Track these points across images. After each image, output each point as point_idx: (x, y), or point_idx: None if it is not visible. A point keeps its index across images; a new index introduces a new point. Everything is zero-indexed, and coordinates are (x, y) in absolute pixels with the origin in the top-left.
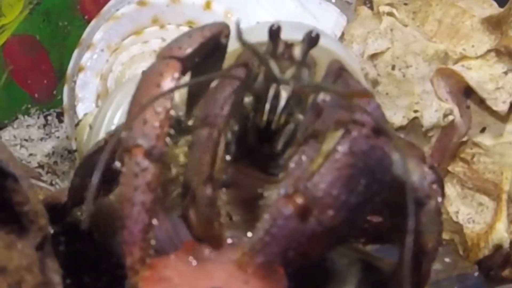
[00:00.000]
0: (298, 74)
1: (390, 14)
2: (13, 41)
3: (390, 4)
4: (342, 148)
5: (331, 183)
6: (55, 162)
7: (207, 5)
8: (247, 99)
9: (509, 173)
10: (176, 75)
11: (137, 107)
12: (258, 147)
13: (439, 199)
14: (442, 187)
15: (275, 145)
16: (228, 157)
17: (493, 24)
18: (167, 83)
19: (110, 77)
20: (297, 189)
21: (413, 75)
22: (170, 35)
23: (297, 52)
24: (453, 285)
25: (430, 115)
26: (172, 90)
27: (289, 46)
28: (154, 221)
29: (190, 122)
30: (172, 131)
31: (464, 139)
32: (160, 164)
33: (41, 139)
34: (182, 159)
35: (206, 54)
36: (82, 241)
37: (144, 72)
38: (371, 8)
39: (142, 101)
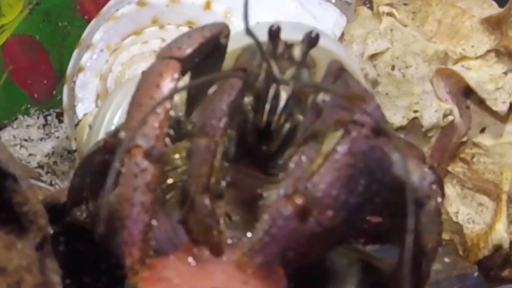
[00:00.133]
0: (297, 75)
1: (389, 14)
2: (13, 41)
3: (390, 5)
4: (341, 149)
5: (331, 183)
6: (55, 162)
7: (207, 5)
8: (247, 99)
9: (509, 173)
10: (176, 75)
11: (137, 108)
12: (258, 147)
13: (439, 200)
14: (442, 187)
15: (274, 145)
16: (226, 164)
17: (493, 24)
18: (167, 84)
19: (109, 77)
20: (296, 190)
21: (413, 75)
22: (169, 35)
23: (296, 52)
24: (453, 285)
25: (430, 115)
26: (172, 94)
27: (288, 46)
28: (154, 222)
29: (189, 127)
30: (171, 132)
31: (464, 139)
32: (159, 165)
33: (41, 139)
34: (179, 162)
35: (205, 55)
36: (82, 241)
37: (143, 73)
38: (371, 8)
39: (142, 101)
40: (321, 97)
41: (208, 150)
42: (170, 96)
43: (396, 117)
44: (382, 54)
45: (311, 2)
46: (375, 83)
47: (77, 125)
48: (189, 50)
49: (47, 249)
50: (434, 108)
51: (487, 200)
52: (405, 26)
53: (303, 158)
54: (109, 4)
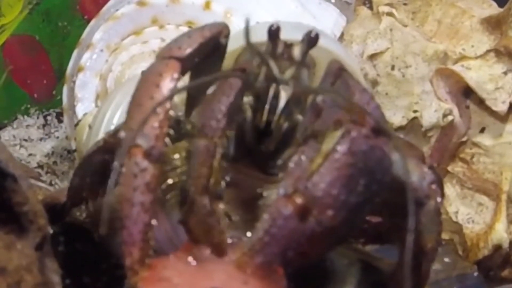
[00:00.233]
0: (297, 74)
1: (389, 14)
2: (13, 41)
3: (390, 4)
4: (341, 148)
5: (331, 183)
6: (55, 162)
7: (207, 5)
8: (246, 99)
9: (509, 173)
10: (176, 75)
11: (136, 107)
12: (258, 147)
13: (439, 199)
14: (441, 187)
15: (274, 145)
16: (226, 164)
17: (492, 24)
18: (167, 84)
19: (109, 77)
20: (296, 189)
21: (413, 75)
22: (169, 35)
23: (296, 52)
24: (453, 285)
25: (430, 115)
26: (172, 94)
27: (288, 46)
28: (154, 222)
29: (188, 127)
30: (171, 132)
31: (464, 139)
32: (159, 165)
33: (41, 139)
34: (179, 163)
35: (205, 54)
36: (82, 241)
37: (143, 72)
38: (371, 8)
39: (141, 101)
40: (321, 97)
41: (207, 151)
42: (170, 96)
43: (395, 117)
44: (382, 54)
45: (311, 2)
46: (374, 83)
47: (76, 125)
48: (189, 50)
49: (46, 249)
50: (434, 108)
51: (487, 200)
52: (405, 26)
53: (303, 157)
54: (109, 4)
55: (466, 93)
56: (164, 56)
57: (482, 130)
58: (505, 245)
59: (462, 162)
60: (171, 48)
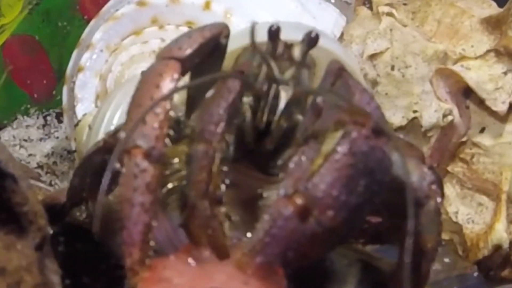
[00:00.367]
0: (297, 75)
1: (389, 14)
2: (13, 41)
3: (390, 4)
4: (341, 149)
5: (331, 183)
6: (54, 163)
7: (207, 5)
8: (246, 99)
9: (509, 173)
10: (176, 75)
11: (136, 108)
12: (258, 148)
13: (439, 200)
14: (441, 187)
15: (274, 145)
16: (225, 168)
17: (492, 24)
18: (167, 84)
19: (109, 77)
20: (297, 190)
21: (413, 75)
22: (169, 36)
23: (296, 52)
24: (453, 285)
25: (430, 115)
26: (171, 93)
27: (288, 46)
28: (154, 222)
29: (187, 131)
30: (171, 132)
31: (464, 139)
32: (159, 165)
33: (41, 139)
34: (178, 167)
35: (205, 55)
36: (81, 242)
37: (143, 73)
38: (371, 8)
39: (141, 101)
40: (321, 97)
41: (206, 156)
42: (168, 96)
43: (395, 117)
44: (382, 54)
45: (311, 2)
46: (374, 83)
47: (76, 125)
48: (189, 50)
49: (46, 249)
50: (434, 108)
51: (487, 200)
52: (405, 26)
53: (303, 158)
54: (108, 4)
55: (466, 93)
56: (164, 56)
57: (482, 130)
58: (505, 245)
59: (462, 162)
60: (171, 49)
